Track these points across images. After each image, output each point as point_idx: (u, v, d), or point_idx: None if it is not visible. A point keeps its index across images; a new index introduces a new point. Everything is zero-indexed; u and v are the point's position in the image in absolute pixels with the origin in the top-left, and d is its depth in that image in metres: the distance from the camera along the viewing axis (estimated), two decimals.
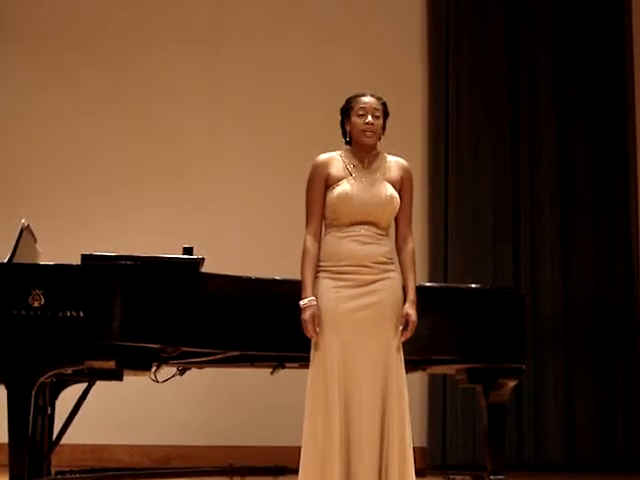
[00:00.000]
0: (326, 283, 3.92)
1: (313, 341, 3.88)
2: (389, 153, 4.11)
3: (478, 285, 5.08)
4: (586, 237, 8.13)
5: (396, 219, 4.05)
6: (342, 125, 4.08)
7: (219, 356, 4.49)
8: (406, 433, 3.84)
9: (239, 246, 7.62)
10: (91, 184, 7.86)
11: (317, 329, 3.86)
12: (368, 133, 3.98)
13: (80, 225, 7.65)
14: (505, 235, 8.06)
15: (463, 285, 5.37)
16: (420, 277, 7.53)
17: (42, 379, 4.04)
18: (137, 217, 7.77)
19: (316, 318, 3.86)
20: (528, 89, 8.23)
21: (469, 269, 7.82)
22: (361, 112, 3.99)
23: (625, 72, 8.34)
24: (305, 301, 3.90)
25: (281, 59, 8.07)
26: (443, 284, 7.23)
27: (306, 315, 3.87)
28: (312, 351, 3.89)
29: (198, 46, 8.08)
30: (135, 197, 7.87)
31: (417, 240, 7.82)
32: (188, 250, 4.29)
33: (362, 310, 3.88)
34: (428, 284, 6.70)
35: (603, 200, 8.18)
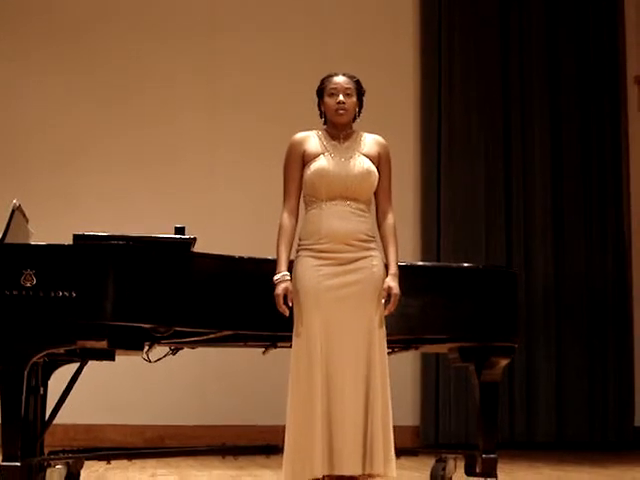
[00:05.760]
0: (307, 261, 3.92)
1: (295, 320, 3.89)
2: (366, 131, 4.12)
3: (470, 264, 5.08)
4: (577, 218, 8.17)
5: (376, 195, 4.06)
6: (319, 106, 4.10)
7: (211, 336, 4.48)
8: (389, 412, 3.86)
9: (231, 226, 7.63)
10: (84, 167, 7.89)
11: (290, 304, 3.88)
12: (340, 111, 4.01)
13: (72, 206, 7.66)
14: (497, 217, 8.09)
15: (455, 264, 5.37)
16: (412, 259, 7.60)
17: (34, 359, 4.03)
18: (130, 200, 7.79)
19: (289, 293, 3.89)
20: (520, 69, 8.25)
21: (461, 251, 7.85)
22: (332, 92, 4.03)
23: (618, 61, 8.38)
24: (278, 276, 3.92)
25: (276, 47, 8.08)
26: (435, 263, 7.24)
27: (279, 290, 3.90)
28: (294, 330, 3.90)
29: (193, 34, 8.10)
30: (128, 181, 7.90)
31: (410, 223, 7.94)
32: (180, 230, 4.27)
33: (344, 288, 3.88)
34: (420, 263, 6.72)
35: (594, 183, 8.21)
